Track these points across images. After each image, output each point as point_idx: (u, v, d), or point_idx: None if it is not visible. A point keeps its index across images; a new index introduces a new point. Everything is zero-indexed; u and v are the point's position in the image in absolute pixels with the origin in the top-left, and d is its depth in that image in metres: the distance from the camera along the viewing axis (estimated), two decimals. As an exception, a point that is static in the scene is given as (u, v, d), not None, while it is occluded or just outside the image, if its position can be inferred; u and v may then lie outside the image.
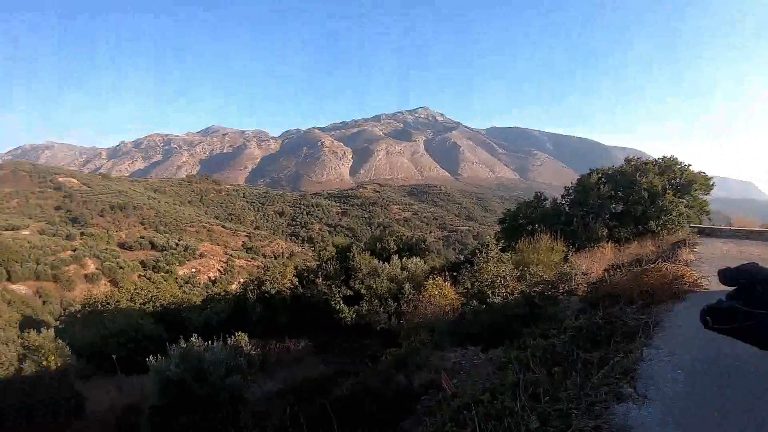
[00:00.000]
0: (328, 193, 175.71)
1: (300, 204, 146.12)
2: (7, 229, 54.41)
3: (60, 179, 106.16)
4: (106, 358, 13.69)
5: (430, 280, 11.56)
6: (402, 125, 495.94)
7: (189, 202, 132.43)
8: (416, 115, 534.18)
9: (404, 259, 14.72)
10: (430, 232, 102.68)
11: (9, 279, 41.06)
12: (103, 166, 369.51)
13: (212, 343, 9.15)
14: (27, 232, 56.27)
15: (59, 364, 8.78)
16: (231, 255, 67.55)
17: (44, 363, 8.42)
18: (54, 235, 57.34)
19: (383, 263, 14.52)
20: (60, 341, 9.41)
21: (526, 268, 10.87)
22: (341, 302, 13.88)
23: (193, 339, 8.54)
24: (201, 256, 62.86)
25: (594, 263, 9.71)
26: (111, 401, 10.11)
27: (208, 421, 7.46)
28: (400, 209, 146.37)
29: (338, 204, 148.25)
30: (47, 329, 9.42)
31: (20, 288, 40.32)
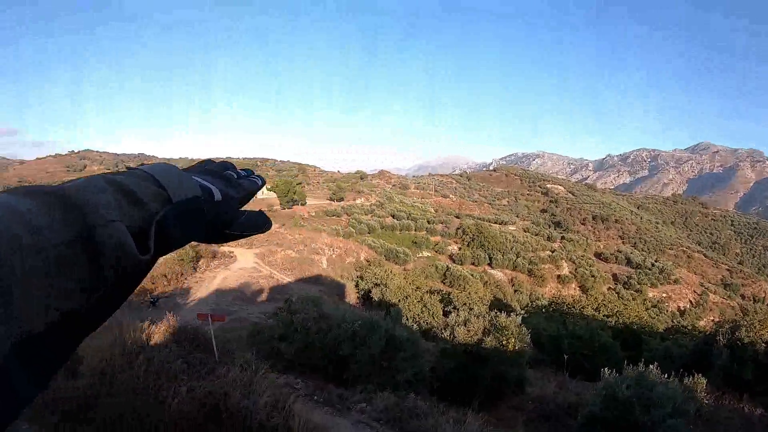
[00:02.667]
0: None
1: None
2: (496, 222, 64.56)
3: (548, 185, 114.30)
4: (557, 354, 15.07)
5: None
6: None
7: (672, 222, 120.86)
8: None
9: None
10: None
11: (490, 264, 48.85)
12: (588, 177, 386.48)
13: (668, 377, 8.70)
14: (513, 228, 64.24)
15: (516, 347, 10.46)
16: (706, 287, 55.82)
17: (504, 342, 10.33)
18: (536, 234, 62.97)
19: None
20: (523, 327, 10.96)
21: None
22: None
23: (651, 366, 8.40)
24: (675, 282, 54.81)
25: None
26: (550, 394, 11.07)
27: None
28: None
29: None
30: (515, 315, 11.11)
31: (498, 274, 46.46)
